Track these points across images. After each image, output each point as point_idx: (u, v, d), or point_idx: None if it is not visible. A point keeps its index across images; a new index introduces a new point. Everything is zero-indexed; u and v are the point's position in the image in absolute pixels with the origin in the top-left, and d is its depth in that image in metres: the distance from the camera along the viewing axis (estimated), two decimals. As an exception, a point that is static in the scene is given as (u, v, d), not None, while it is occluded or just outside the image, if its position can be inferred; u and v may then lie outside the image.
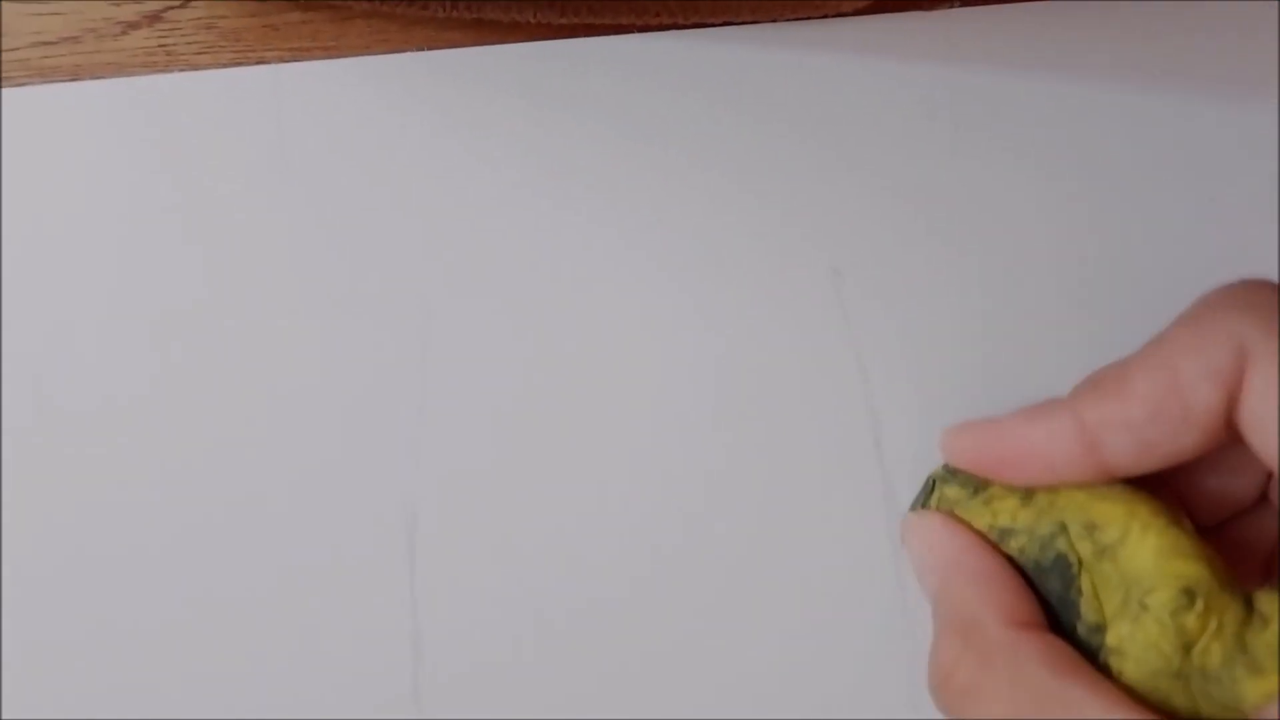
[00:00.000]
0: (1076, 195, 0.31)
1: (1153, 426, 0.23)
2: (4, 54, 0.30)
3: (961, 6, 0.31)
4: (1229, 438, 0.23)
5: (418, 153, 0.30)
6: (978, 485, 0.26)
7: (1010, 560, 0.25)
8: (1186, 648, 0.23)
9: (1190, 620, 0.23)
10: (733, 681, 0.29)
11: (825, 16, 0.31)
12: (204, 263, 0.30)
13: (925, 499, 0.27)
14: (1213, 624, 0.23)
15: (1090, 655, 0.24)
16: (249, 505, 0.29)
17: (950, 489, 0.27)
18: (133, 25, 0.30)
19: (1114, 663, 0.24)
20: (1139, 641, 0.23)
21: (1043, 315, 0.31)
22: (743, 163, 0.31)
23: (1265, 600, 0.23)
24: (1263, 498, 0.26)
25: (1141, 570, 0.24)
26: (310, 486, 0.29)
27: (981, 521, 0.26)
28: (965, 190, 0.31)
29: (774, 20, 0.31)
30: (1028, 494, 0.25)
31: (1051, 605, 0.25)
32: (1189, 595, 0.23)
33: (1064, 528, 0.25)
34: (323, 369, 0.30)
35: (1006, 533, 0.25)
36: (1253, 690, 0.23)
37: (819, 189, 0.31)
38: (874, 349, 0.30)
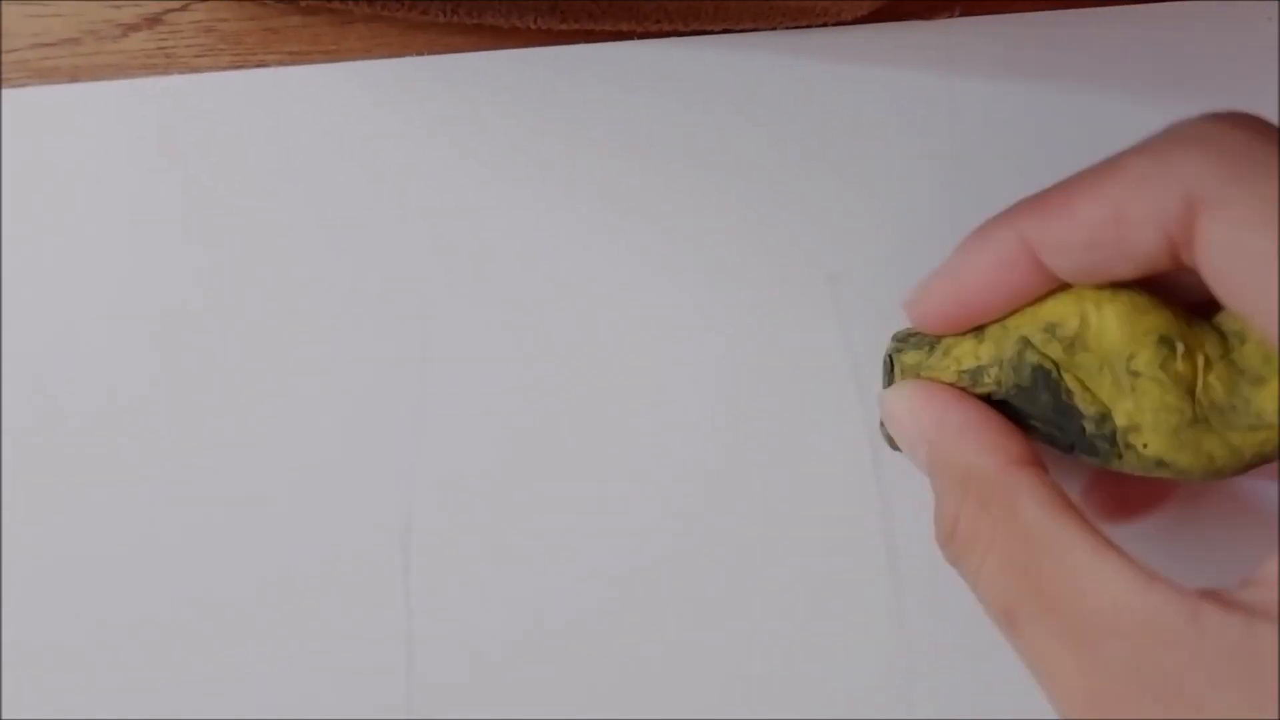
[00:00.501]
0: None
1: (1091, 253, 0.23)
2: (3, 55, 0.30)
3: (962, 15, 0.31)
4: (1174, 268, 0.23)
5: (417, 157, 0.30)
6: (931, 342, 0.26)
7: (991, 401, 0.25)
8: (1190, 393, 0.23)
9: (1179, 365, 0.23)
10: (729, 683, 0.29)
11: (825, 24, 0.31)
12: (203, 265, 0.30)
13: (889, 378, 0.28)
14: (1200, 360, 0.23)
15: (1109, 447, 0.24)
16: (245, 506, 0.29)
17: (907, 356, 0.27)
18: (132, 28, 0.30)
19: (1134, 440, 0.24)
20: (1147, 408, 0.23)
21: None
22: (741, 169, 0.31)
23: (1225, 320, 0.24)
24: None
25: (1114, 342, 0.24)
26: (306, 488, 0.29)
27: (947, 374, 0.26)
28: (963, 198, 0.31)
29: (774, 28, 0.31)
30: (978, 330, 0.26)
31: (1051, 421, 0.25)
32: (1168, 343, 0.23)
33: (1026, 341, 0.25)
34: (320, 372, 0.30)
35: (976, 373, 0.26)
36: (1267, 399, 0.23)
37: (816, 196, 0.31)
38: (870, 355, 0.30)
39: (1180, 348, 0.23)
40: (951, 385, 0.26)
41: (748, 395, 0.30)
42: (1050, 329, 0.24)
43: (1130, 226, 0.22)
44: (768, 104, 0.31)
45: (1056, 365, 0.24)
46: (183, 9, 0.30)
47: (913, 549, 0.30)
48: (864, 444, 0.30)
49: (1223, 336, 0.24)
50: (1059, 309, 0.24)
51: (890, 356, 0.27)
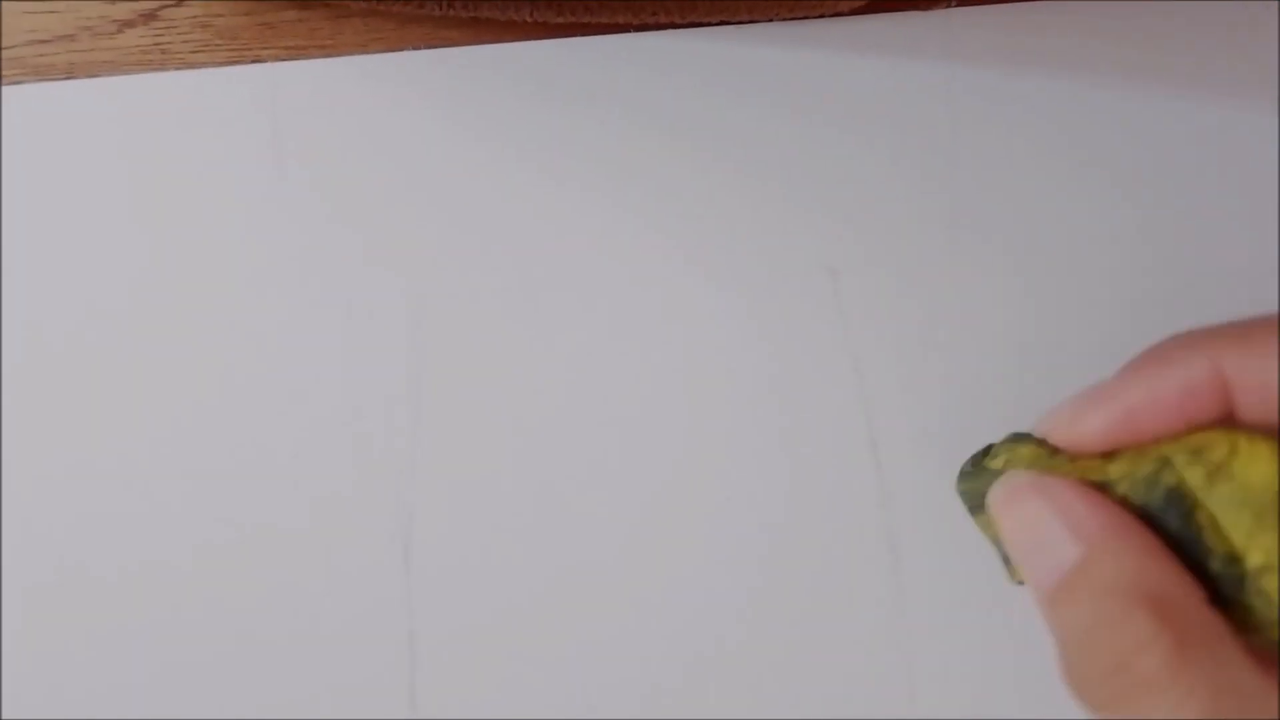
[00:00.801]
0: (1074, 195, 0.31)
1: None
2: (1, 52, 0.30)
3: (958, 6, 0.31)
4: None
5: (414, 151, 0.30)
6: (1053, 448, 0.24)
7: None
8: None
9: None
10: (731, 682, 0.29)
11: (822, 16, 0.31)
12: (199, 260, 0.30)
13: (983, 460, 0.25)
14: None
15: (1233, 589, 0.21)
16: (246, 506, 0.29)
17: (1025, 448, 0.24)
18: (128, 23, 0.30)
19: (1265, 584, 0.21)
20: None
21: (1039, 315, 0.30)
22: (739, 162, 0.30)
23: None
24: None
25: (1264, 476, 0.21)
26: (307, 487, 0.29)
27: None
28: (962, 191, 0.31)
29: (770, 19, 0.30)
30: (1110, 451, 0.23)
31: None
32: None
33: (1168, 461, 0.22)
34: (318, 368, 0.29)
35: (1099, 487, 0.23)
36: None
37: (816, 189, 0.30)
38: (870, 350, 0.30)
39: None
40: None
41: (747, 389, 0.30)
42: (1196, 453, 0.22)
43: None
44: (765, 96, 0.31)
45: (1194, 495, 0.22)
46: (177, 4, 0.30)
47: (913, 545, 0.30)
48: (864, 438, 0.30)
49: None
50: (1208, 436, 0.22)
51: (993, 446, 0.25)
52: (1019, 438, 0.24)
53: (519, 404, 0.30)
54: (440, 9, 0.30)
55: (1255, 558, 0.21)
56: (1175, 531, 0.22)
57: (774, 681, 0.29)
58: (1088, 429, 0.22)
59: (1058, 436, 0.23)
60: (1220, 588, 0.21)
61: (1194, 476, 0.22)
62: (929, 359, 0.30)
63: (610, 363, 0.30)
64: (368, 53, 0.30)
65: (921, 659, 0.29)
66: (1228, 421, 0.22)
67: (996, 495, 0.23)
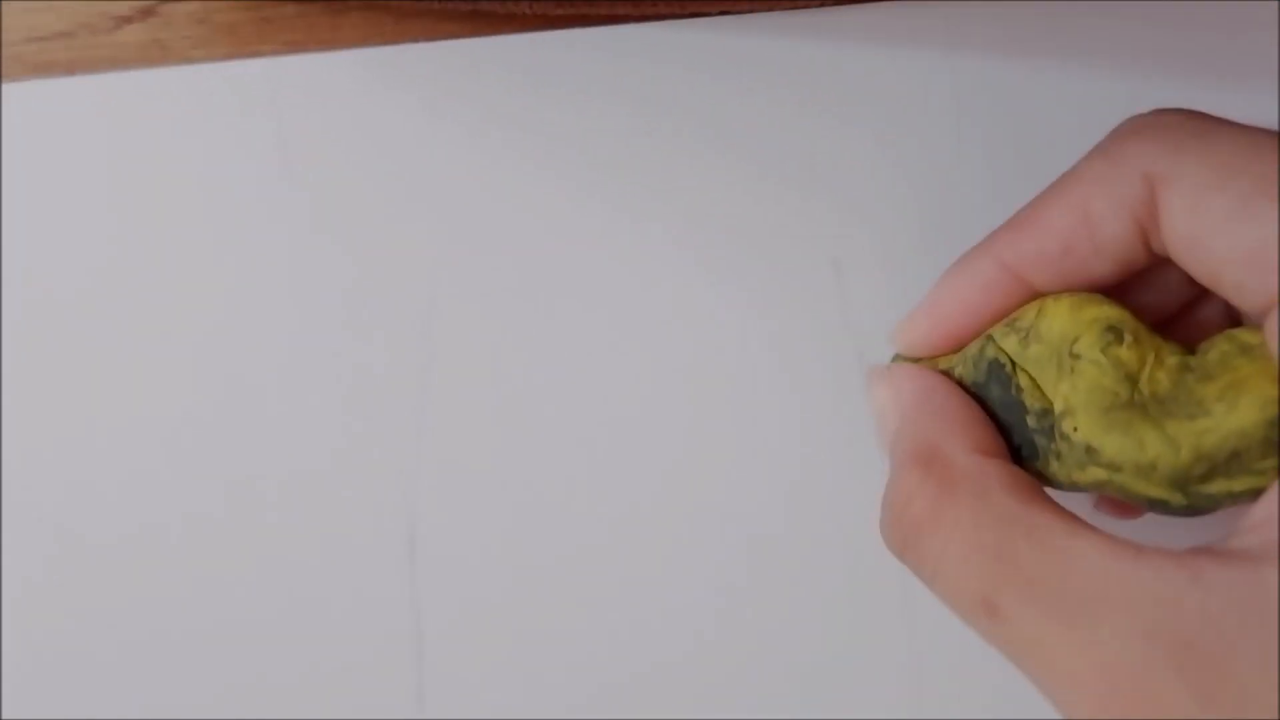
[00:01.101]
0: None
1: (1068, 259, 0.24)
2: (1, 49, 0.30)
3: (964, -6, 0.31)
4: (1151, 260, 0.23)
5: (415, 145, 0.30)
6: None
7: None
8: (1131, 380, 0.22)
9: (1123, 352, 0.22)
10: (733, 680, 0.29)
11: (825, 5, 0.30)
12: (201, 257, 0.30)
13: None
14: (1150, 356, 0.22)
15: (1047, 442, 0.23)
16: (249, 503, 0.29)
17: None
18: (126, 20, 0.30)
19: (1066, 426, 0.23)
20: (1081, 389, 0.22)
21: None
22: (742, 153, 0.30)
23: (1203, 346, 0.23)
24: (1186, 308, 0.26)
25: (1062, 329, 0.23)
26: (310, 484, 0.29)
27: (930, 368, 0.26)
28: (966, 182, 0.30)
29: (772, 9, 0.30)
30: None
31: (1001, 421, 0.24)
32: (1114, 331, 0.23)
33: (989, 338, 0.24)
34: (323, 366, 0.29)
35: (948, 373, 0.25)
36: (1212, 389, 0.22)
37: (818, 180, 0.30)
38: (874, 341, 0.30)
39: (1128, 338, 0.22)
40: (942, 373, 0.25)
41: (751, 382, 0.30)
42: (1010, 323, 0.24)
43: (1099, 222, 0.23)
44: (768, 87, 0.30)
45: (1011, 360, 0.24)
46: (176, 0, 0.30)
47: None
48: (869, 429, 0.30)
49: (1189, 351, 0.23)
50: (1024, 309, 0.24)
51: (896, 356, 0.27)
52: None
53: (523, 398, 0.30)
54: (440, 3, 0.30)
55: (1057, 405, 0.23)
56: (998, 399, 0.24)
57: (781, 680, 0.29)
58: (916, 337, 0.26)
59: (897, 345, 0.26)
60: (1036, 439, 0.23)
61: (1010, 345, 0.24)
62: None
63: (611, 355, 0.30)
64: (367, 47, 0.30)
65: (929, 657, 0.29)
66: (1035, 295, 0.24)
67: (866, 382, 0.26)
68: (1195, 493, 0.22)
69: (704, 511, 0.29)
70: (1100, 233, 0.23)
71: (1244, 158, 0.21)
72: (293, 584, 0.29)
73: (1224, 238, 0.21)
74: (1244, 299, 0.21)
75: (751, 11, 0.30)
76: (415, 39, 0.30)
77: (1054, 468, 0.23)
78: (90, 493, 0.29)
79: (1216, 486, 0.22)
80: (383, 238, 0.30)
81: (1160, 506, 0.22)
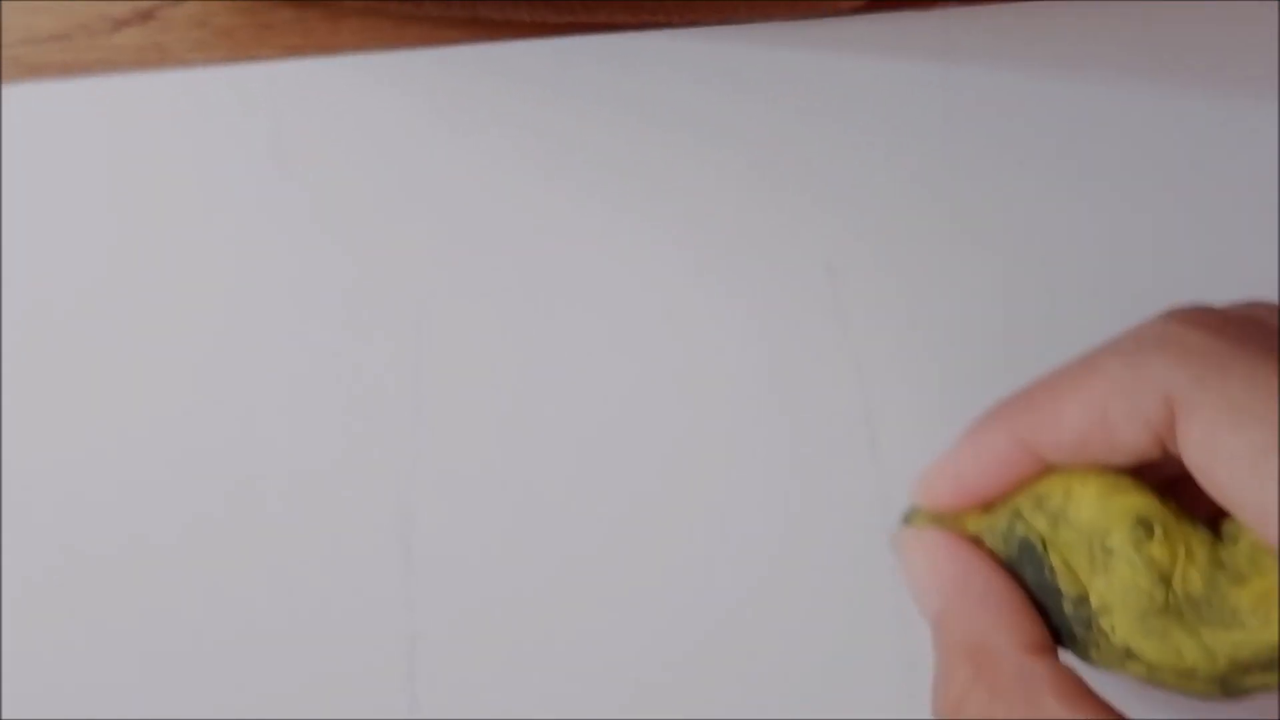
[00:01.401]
0: (1074, 195, 0.31)
1: (1084, 451, 0.24)
2: (1, 51, 0.30)
3: (958, 5, 0.31)
4: (1165, 458, 0.24)
5: (413, 149, 0.30)
6: None
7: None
8: (1164, 580, 0.23)
9: (1155, 549, 0.23)
10: (730, 682, 0.29)
11: (822, 15, 0.31)
12: (199, 262, 0.30)
13: (907, 521, 0.27)
14: (1181, 551, 0.23)
15: (1085, 632, 0.23)
16: (246, 504, 0.29)
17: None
18: (124, 22, 0.30)
19: (1104, 624, 0.23)
20: (1117, 588, 0.23)
21: (1039, 313, 0.30)
22: (738, 160, 0.30)
23: (1229, 525, 0.23)
24: None
25: (1092, 518, 0.23)
26: (306, 485, 0.29)
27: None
28: (961, 189, 0.31)
29: (770, 19, 0.31)
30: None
31: (1039, 601, 0.24)
32: (1145, 525, 0.23)
33: (1018, 512, 0.24)
34: (318, 367, 0.29)
35: (977, 539, 0.25)
36: (1244, 597, 0.22)
37: (814, 186, 0.30)
38: (869, 347, 0.30)
39: (1158, 532, 0.23)
40: (982, 549, 0.25)
41: (746, 387, 0.30)
42: (1039, 501, 0.24)
43: (1116, 428, 0.23)
44: (765, 96, 0.31)
45: (1043, 540, 0.24)
46: (175, 3, 0.30)
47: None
48: (863, 436, 0.30)
49: (1217, 536, 0.23)
50: (1050, 482, 0.24)
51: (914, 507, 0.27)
52: None
53: (518, 401, 0.30)
54: (438, 9, 0.30)
55: (1094, 599, 0.23)
56: (1033, 580, 0.24)
57: (774, 681, 0.29)
58: (938, 498, 0.26)
59: (922, 503, 0.26)
60: (1075, 627, 0.23)
61: (1040, 524, 0.24)
62: (928, 357, 0.30)
63: (608, 358, 0.30)
64: (365, 52, 0.30)
65: (921, 660, 0.29)
66: (1050, 468, 0.24)
67: (896, 543, 0.26)
68: (1233, 685, 0.23)
69: (698, 513, 0.29)
70: (1117, 435, 0.23)
71: (1261, 401, 0.22)
72: (288, 583, 0.29)
73: (1238, 483, 0.22)
74: (1258, 532, 0.22)
75: (751, 22, 0.31)
76: (413, 45, 0.30)
77: (1094, 655, 0.24)
78: (87, 493, 0.29)
79: (1254, 680, 0.23)
80: (380, 241, 0.30)
81: (1198, 696, 0.23)
